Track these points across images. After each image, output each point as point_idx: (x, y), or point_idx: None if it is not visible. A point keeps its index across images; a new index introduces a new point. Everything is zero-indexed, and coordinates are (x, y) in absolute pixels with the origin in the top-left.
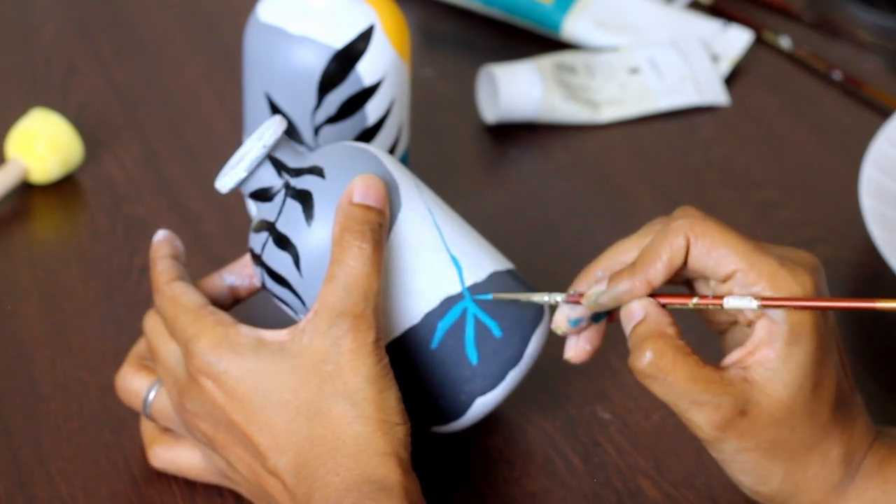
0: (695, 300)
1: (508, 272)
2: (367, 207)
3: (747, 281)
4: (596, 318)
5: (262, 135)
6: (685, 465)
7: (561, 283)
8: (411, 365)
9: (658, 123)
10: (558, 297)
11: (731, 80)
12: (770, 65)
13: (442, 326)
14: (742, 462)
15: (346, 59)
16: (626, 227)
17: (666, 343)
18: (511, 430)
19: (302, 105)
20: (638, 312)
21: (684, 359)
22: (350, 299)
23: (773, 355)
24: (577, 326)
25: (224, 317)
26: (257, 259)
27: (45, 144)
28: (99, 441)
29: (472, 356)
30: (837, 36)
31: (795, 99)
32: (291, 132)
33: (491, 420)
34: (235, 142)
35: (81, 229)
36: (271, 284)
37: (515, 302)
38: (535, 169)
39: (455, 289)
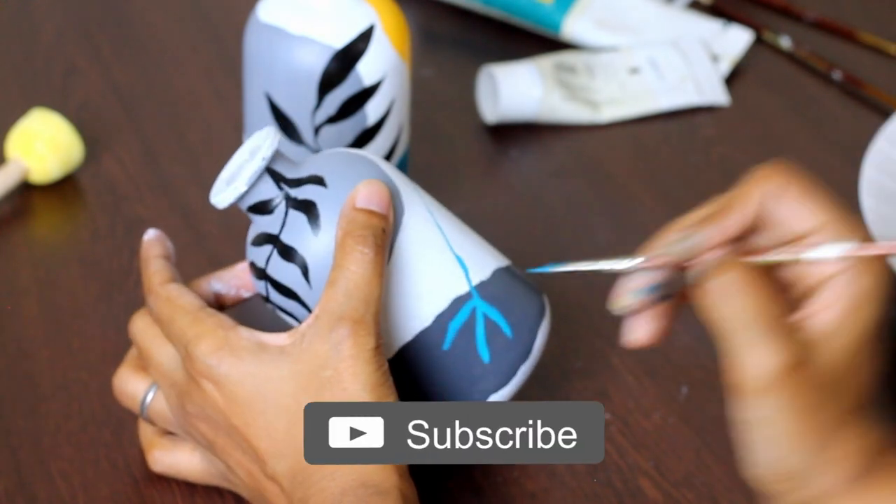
0: (782, 251)
1: (508, 268)
2: (370, 212)
3: (840, 232)
4: (659, 294)
5: (258, 147)
6: (685, 465)
7: (561, 282)
8: (424, 368)
9: (658, 123)
10: (626, 263)
11: (731, 80)
12: (770, 65)
13: (453, 327)
14: (776, 425)
15: (346, 59)
16: (626, 227)
17: (744, 267)
18: None
19: (302, 105)
20: (709, 257)
21: (762, 286)
22: (350, 304)
23: (840, 314)
24: (639, 299)
25: (224, 319)
26: (261, 273)
27: (45, 144)
28: (99, 441)
29: (484, 354)
30: (837, 36)
31: (795, 99)
32: (291, 132)
33: None
34: (235, 142)
35: (81, 229)
36: (277, 297)
37: (522, 296)
38: (535, 169)
39: (463, 288)
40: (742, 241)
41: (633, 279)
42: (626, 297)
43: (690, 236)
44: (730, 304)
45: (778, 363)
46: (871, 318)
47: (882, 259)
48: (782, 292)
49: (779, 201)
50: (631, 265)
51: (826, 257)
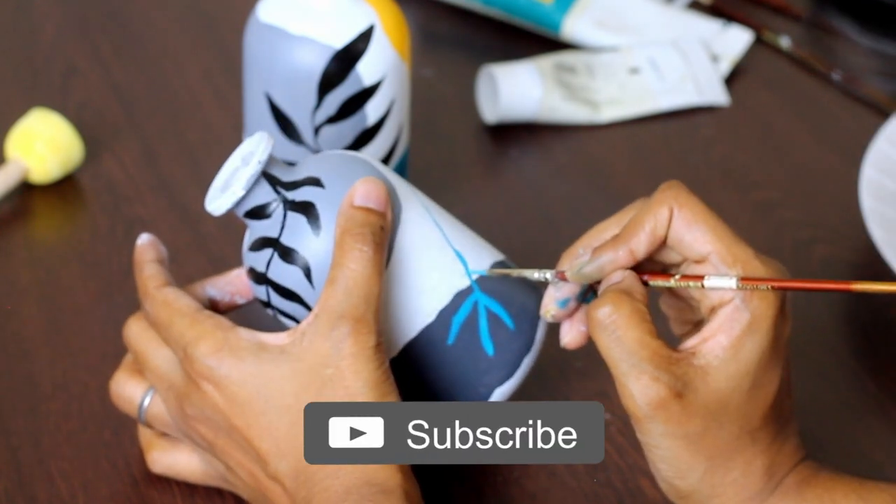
0: (676, 277)
1: (503, 262)
2: (368, 210)
3: (723, 263)
4: (585, 298)
5: (251, 152)
6: None
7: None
8: (430, 363)
9: (658, 123)
10: (548, 274)
11: (731, 80)
12: (770, 65)
13: (456, 321)
14: (665, 449)
15: (346, 59)
16: None
17: (627, 300)
18: None
19: (302, 105)
20: (616, 277)
21: (640, 320)
22: (350, 302)
23: (725, 342)
24: (566, 307)
25: (222, 320)
26: (261, 277)
27: (45, 144)
28: (99, 441)
29: (488, 347)
30: (837, 36)
31: (795, 99)
32: (291, 132)
33: None
34: (235, 142)
35: (81, 229)
36: (279, 301)
37: (520, 288)
38: (535, 169)
39: (464, 283)
40: (651, 257)
41: (559, 289)
42: (551, 306)
43: (599, 257)
44: (610, 335)
45: (656, 392)
46: (759, 345)
47: (775, 287)
48: (690, 305)
49: (672, 227)
50: (548, 277)
51: (717, 287)
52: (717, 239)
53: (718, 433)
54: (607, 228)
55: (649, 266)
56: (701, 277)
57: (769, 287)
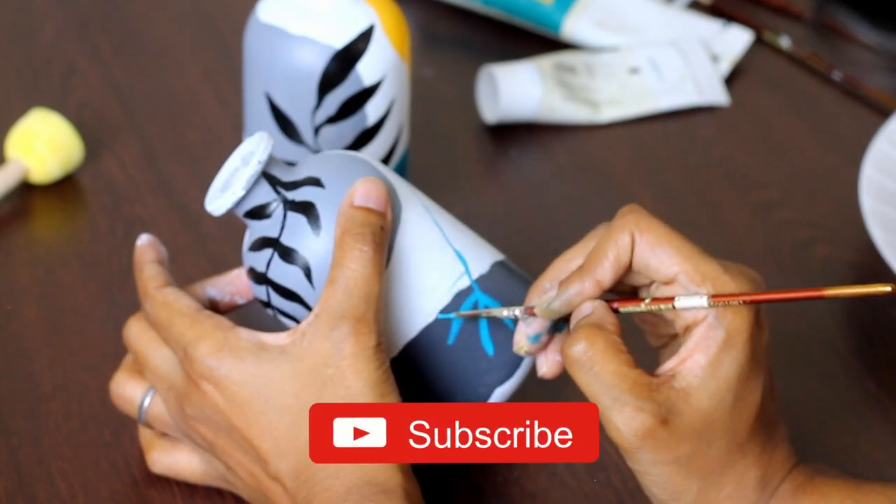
0: (646, 301)
1: (503, 262)
2: (368, 210)
3: (692, 282)
4: (557, 328)
5: (251, 152)
6: None
7: None
8: (430, 363)
9: (658, 123)
10: (517, 311)
11: (731, 80)
12: (770, 65)
13: (457, 321)
14: (657, 475)
15: (346, 59)
16: None
17: (601, 334)
18: None
19: (302, 105)
20: (586, 309)
21: (615, 353)
22: (351, 302)
23: (703, 361)
24: (539, 342)
25: (222, 320)
26: (261, 277)
27: (45, 144)
28: (99, 441)
29: (488, 347)
30: (837, 36)
31: (795, 99)
32: (291, 132)
33: None
34: (235, 142)
35: (81, 229)
36: (279, 301)
37: (520, 287)
38: (535, 169)
39: (464, 283)
40: (620, 280)
41: (529, 325)
42: (523, 342)
43: (566, 290)
44: (588, 371)
45: (641, 423)
46: (737, 360)
47: (746, 302)
48: (664, 319)
49: (635, 252)
50: (517, 314)
51: (689, 307)
52: (683, 259)
53: (708, 452)
54: (572, 259)
55: (619, 288)
56: (671, 299)
57: (740, 302)
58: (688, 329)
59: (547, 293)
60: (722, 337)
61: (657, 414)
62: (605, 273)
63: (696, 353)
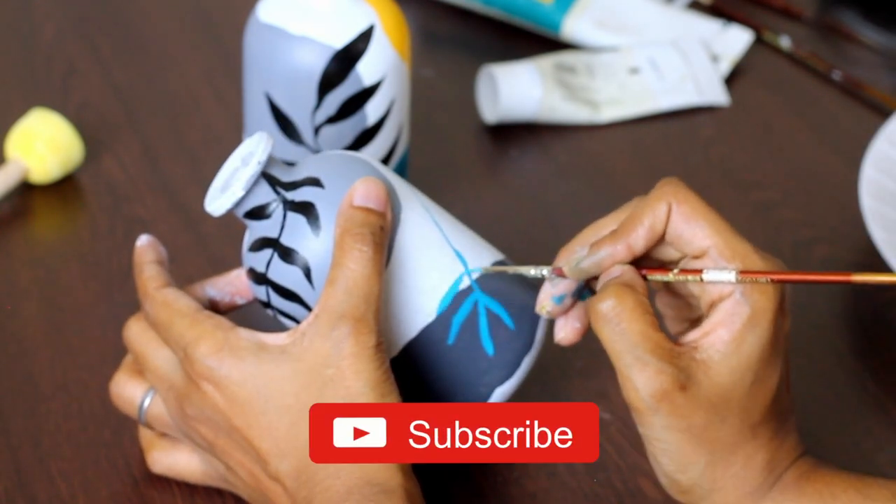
0: (675, 271)
1: (503, 262)
2: (368, 210)
3: (722, 257)
4: (581, 295)
5: (251, 153)
6: None
7: None
8: (430, 363)
9: (658, 123)
10: (545, 270)
11: (731, 80)
12: (770, 65)
13: (457, 321)
14: (667, 442)
15: (346, 59)
16: None
17: (631, 293)
18: None
19: (302, 105)
20: (615, 271)
21: (643, 313)
22: (351, 302)
23: (727, 336)
24: (562, 304)
25: (222, 321)
26: (261, 277)
27: (45, 144)
28: (99, 441)
29: (488, 347)
30: (837, 36)
31: (795, 99)
32: (291, 132)
33: None
34: (235, 142)
35: (81, 229)
36: (279, 301)
37: (520, 287)
38: (535, 169)
39: (464, 283)
40: (648, 254)
41: (555, 285)
42: (547, 302)
43: (598, 252)
44: (614, 328)
45: (660, 384)
46: (760, 339)
47: (774, 280)
48: (688, 303)
49: (670, 222)
50: (545, 273)
51: (716, 281)
52: (715, 233)
53: (720, 427)
54: (605, 226)
55: (646, 264)
56: (699, 272)
57: (769, 280)
58: (713, 305)
59: (577, 254)
60: (747, 314)
61: (677, 378)
62: (639, 239)
63: (719, 327)
